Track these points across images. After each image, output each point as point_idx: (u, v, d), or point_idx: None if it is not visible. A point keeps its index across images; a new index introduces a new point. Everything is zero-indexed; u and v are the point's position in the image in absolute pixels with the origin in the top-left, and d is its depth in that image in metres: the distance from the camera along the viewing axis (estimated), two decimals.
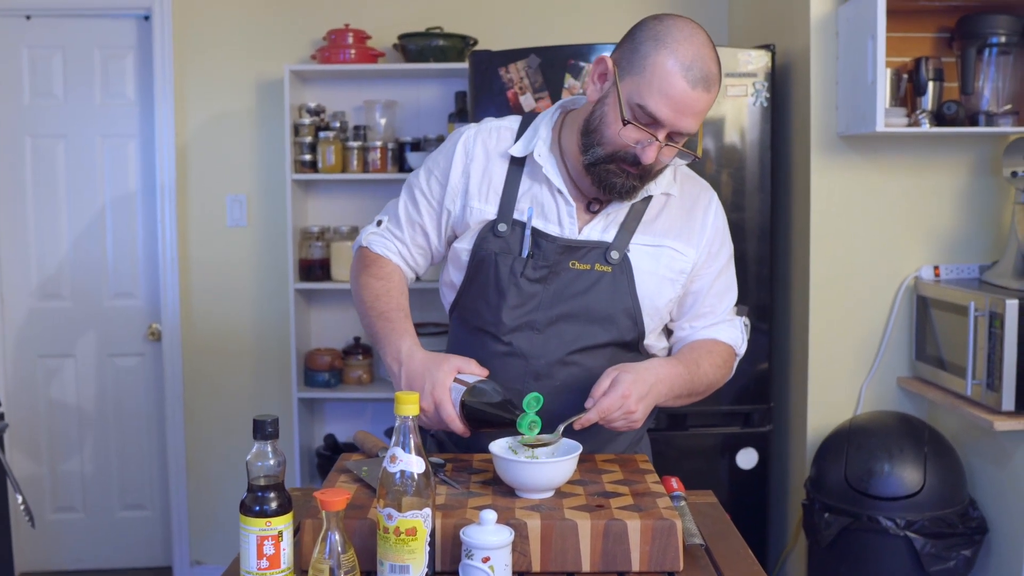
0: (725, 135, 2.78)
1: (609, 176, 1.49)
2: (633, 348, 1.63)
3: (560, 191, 1.56)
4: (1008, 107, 2.54)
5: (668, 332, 1.71)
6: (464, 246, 1.61)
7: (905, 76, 2.60)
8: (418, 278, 1.75)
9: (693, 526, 1.38)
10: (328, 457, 3.36)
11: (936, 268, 2.70)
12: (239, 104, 3.49)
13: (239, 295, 3.55)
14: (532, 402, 1.40)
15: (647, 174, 1.51)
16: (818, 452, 2.66)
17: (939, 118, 2.53)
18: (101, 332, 3.58)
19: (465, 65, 3.14)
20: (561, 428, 1.43)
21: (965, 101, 2.55)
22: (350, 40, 3.28)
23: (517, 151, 1.59)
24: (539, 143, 1.57)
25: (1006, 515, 2.44)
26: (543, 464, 1.34)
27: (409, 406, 1.16)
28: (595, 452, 1.60)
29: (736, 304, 1.73)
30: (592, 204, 1.59)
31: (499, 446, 1.41)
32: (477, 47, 3.34)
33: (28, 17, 3.46)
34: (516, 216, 1.58)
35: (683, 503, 1.47)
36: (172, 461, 3.57)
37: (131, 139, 3.54)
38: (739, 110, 2.77)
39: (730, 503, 2.45)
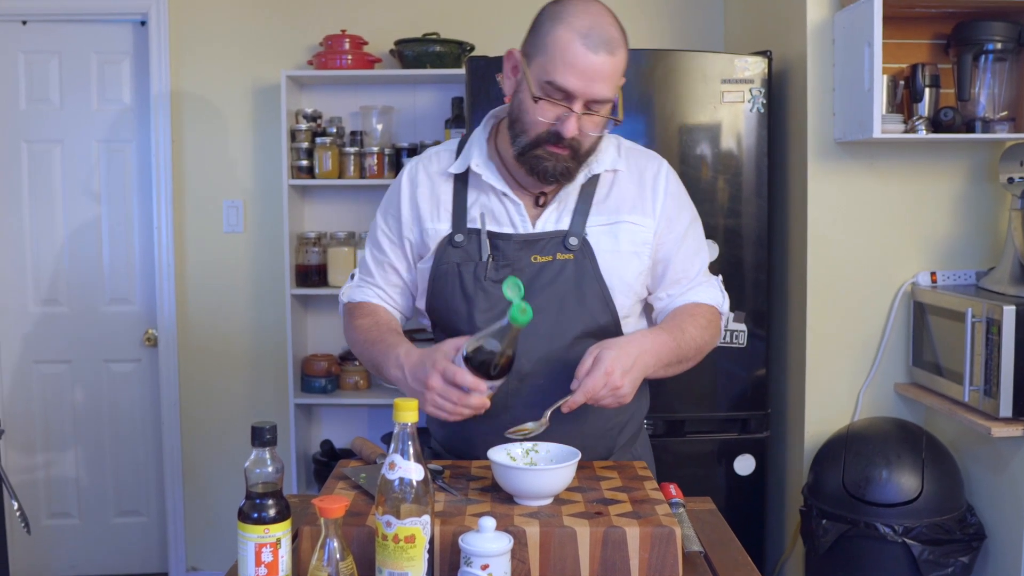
0: (722, 141, 2.78)
1: (540, 161, 1.52)
2: (612, 333, 1.63)
3: (504, 194, 1.60)
4: (1004, 113, 2.54)
5: (649, 312, 1.73)
6: (426, 265, 1.64)
7: (902, 82, 2.61)
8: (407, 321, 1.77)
9: (692, 533, 1.38)
10: (325, 463, 3.35)
11: (933, 274, 2.70)
12: (235, 109, 3.49)
13: (235, 301, 3.54)
14: (512, 287, 1.38)
15: (578, 152, 1.53)
16: (816, 458, 2.65)
17: (936, 124, 2.54)
18: (97, 338, 3.57)
19: (462, 71, 3.14)
20: (548, 413, 1.44)
21: (961, 107, 2.55)
22: (347, 46, 3.28)
23: (456, 168, 1.64)
24: (475, 155, 1.62)
25: (1004, 521, 2.44)
26: (542, 471, 1.34)
27: (408, 412, 1.15)
28: (597, 441, 1.61)
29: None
30: (539, 199, 1.62)
31: (498, 453, 1.40)
32: (474, 53, 3.34)
33: (24, 22, 3.46)
34: (470, 225, 1.61)
35: (682, 510, 1.47)
36: (168, 467, 3.55)
37: (127, 144, 3.53)
38: (736, 116, 2.77)
39: (727, 509, 2.43)
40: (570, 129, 1.48)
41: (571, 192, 1.61)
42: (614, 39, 1.48)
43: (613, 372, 1.43)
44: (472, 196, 1.63)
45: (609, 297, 1.59)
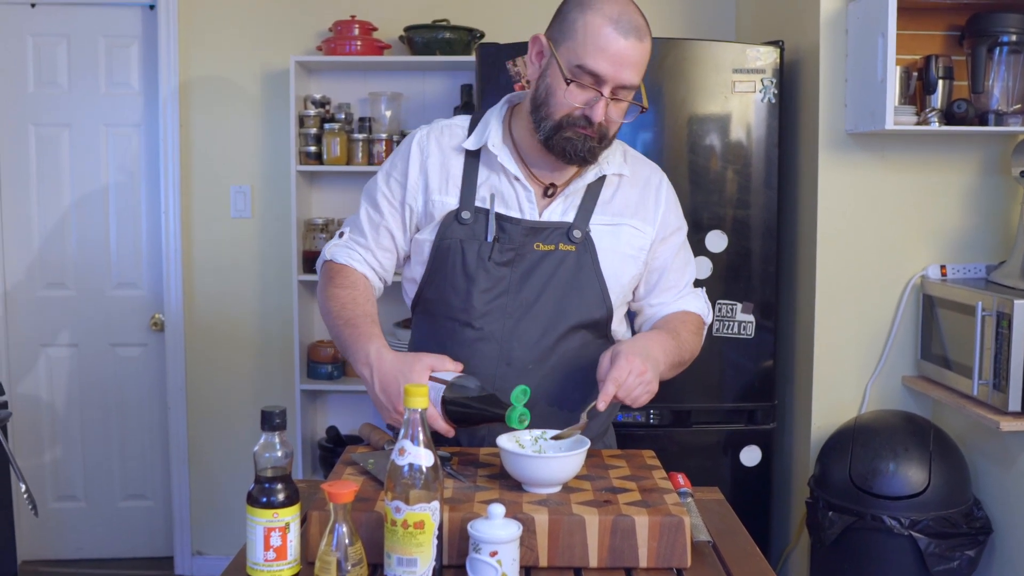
0: (732, 131, 2.77)
1: (568, 142, 1.53)
2: (603, 331, 1.65)
3: (517, 178, 1.60)
4: (1018, 106, 2.52)
5: (630, 320, 1.77)
6: (426, 237, 1.63)
7: (915, 74, 2.59)
8: (386, 287, 1.76)
9: (701, 523, 1.38)
10: (330, 449, 3.35)
11: (943, 267, 2.69)
12: (244, 94, 3.48)
13: (242, 286, 3.54)
14: (520, 395, 1.38)
15: (605, 136, 1.55)
16: (822, 450, 2.65)
17: (948, 117, 2.52)
18: (104, 322, 3.57)
19: (472, 58, 3.13)
20: (584, 415, 1.43)
21: (975, 100, 2.53)
22: (356, 32, 3.27)
23: (471, 144, 1.63)
24: (491, 134, 1.61)
25: (1011, 516, 2.44)
26: (551, 459, 1.34)
27: (418, 398, 1.15)
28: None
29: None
30: (548, 189, 1.63)
31: (506, 440, 1.40)
32: (484, 40, 3.32)
33: (33, 5, 3.45)
34: (478, 203, 1.61)
35: (690, 500, 1.46)
36: (174, 451, 3.56)
37: (135, 128, 3.53)
38: (746, 106, 2.76)
39: (733, 500, 2.42)
40: (599, 113, 1.50)
41: (578, 189, 1.63)
42: (642, 26, 1.52)
43: (633, 360, 1.45)
44: (483, 175, 1.62)
45: (607, 293, 1.62)
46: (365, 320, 1.57)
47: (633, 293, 1.72)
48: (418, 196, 1.64)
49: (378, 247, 1.69)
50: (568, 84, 1.49)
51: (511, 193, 1.61)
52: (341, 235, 1.72)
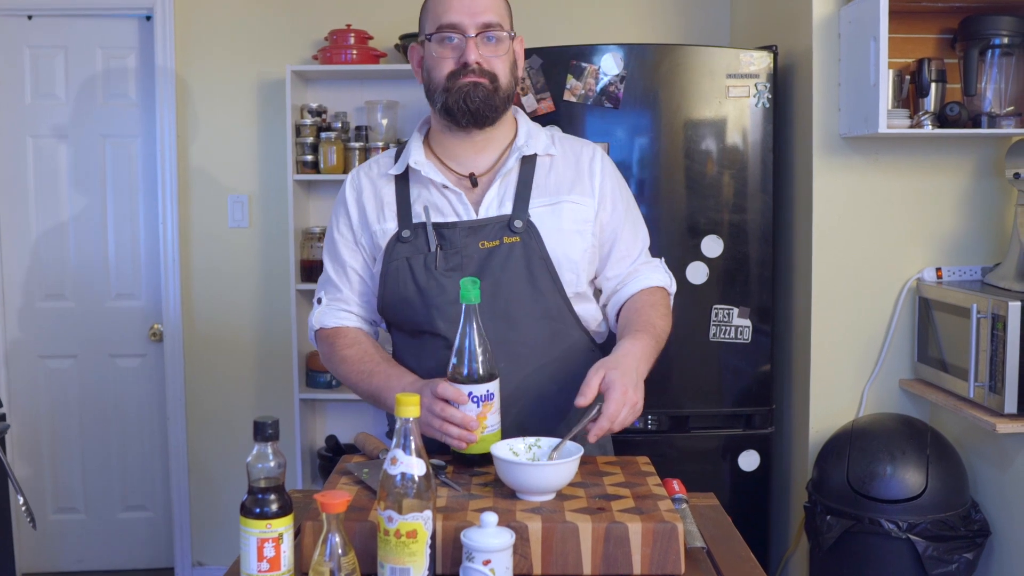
0: (727, 136, 2.77)
1: (462, 95, 1.59)
2: (569, 320, 1.66)
3: (445, 186, 1.64)
4: (1011, 109, 2.53)
5: (598, 296, 1.78)
6: (379, 267, 1.67)
7: (908, 77, 2.60)
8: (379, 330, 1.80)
9: (695, 529, 1.38)
10: (330, 458, 3.35)
11: (938, 270, 2.69)
12: (241, 104, 3.49)
13: (241, 296, 3.55)
14: (468, 285, 1.42)
15: (495, 80, 1.61)
16: (820, 454, 2.65)
17: (942, 120, 2.52)
18: (103, 333, 3.58)
19: None
20: (567, 443, 1.42)
21: (968, 103, 2.54)
22: (352, 40, 3.28)
23: (396, 169, 1.70)
24: (413, 153, 1.68)
25: (1008, 518, 2.44)
26: (544, 466, 1.34)
27: (410, 408, 1.16)
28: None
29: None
30: (473, 180, 1.66)
31: (501, 448, 1.40)
32: None
33: (30, 17, 3.47)
34: (415, 220, 1.65)
35: (685, 506, 1.47)
36: (173, 462, 3.56)
37: (133, 139, 3.54)
38: (741, 111, 2.76)
39: (731, 505, 2.44)
40: (472, 53, 1.58)
41: (510, 177, 1.66)
42: None
43: (627, 391, 1.45)
44: (414, 193, 1.67)
45: (557, 276, 1.63)
46: (384, 364, 1.64)
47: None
48: (363, 233, 1.70)
49: (354, 294, 1.73)
50: (430, 39, 1.60)
51: (443, 201, 1.65)
52: (319, 301, 1.76)
